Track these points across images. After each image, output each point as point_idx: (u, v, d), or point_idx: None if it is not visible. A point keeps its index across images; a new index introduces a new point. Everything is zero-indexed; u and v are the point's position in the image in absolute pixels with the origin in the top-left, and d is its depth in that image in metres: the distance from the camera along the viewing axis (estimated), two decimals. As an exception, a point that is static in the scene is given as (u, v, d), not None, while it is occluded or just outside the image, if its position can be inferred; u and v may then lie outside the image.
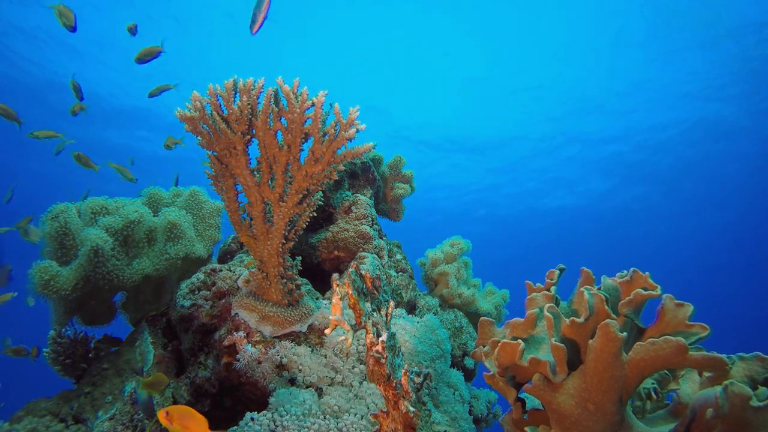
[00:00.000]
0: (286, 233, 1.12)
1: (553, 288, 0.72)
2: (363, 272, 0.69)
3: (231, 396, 1.19)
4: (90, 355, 1.38)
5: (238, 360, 1.11)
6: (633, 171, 10.68)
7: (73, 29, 1.90)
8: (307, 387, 1.09)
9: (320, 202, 1.16)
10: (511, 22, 7.76)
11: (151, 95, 2.45)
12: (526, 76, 8.56)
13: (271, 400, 1.03)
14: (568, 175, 10.99)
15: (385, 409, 0.68)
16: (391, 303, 0.71)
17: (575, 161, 10.44)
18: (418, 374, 0.79)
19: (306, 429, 0.93)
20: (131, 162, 2.84)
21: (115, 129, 9.01)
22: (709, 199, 11.87)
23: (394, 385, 0.65)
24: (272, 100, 1.02)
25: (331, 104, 0.98)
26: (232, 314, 1.20)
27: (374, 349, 0.64)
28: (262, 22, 1.13)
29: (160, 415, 0.87)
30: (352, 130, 0.98)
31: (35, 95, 7.77)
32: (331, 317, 0.63)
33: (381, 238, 1.68)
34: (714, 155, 9.82)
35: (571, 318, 0.61)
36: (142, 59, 2.15)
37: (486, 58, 8.37)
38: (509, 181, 11.36)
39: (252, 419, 0.95)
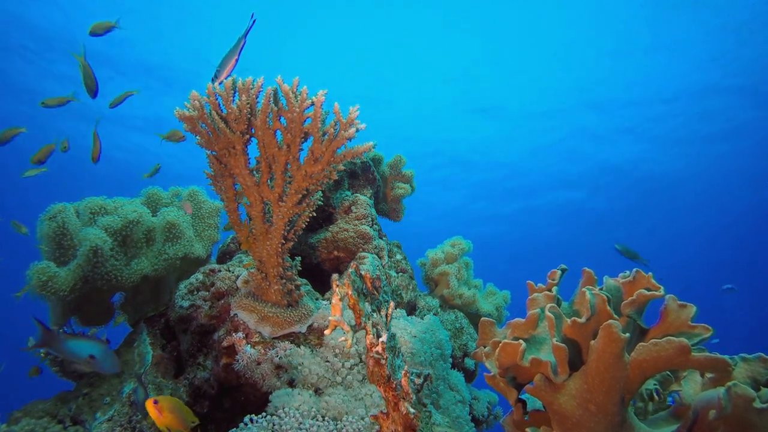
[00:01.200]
0: (286, 233, 1.12)
1: (554, 288, 0.71)
2: (363, 273, 0.69)
3: (230, 397, 1.18)
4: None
5: (237, 361, 1.11)
6: (637, 160, 10.51)
7: (94, 95, 1.85)
8: (306, 388, 1.08)
9: (320, 202, 1.16)
10: (512, 11, 7.70)
11: (114, 105, 2.36)
12: (527, 64, 8.44)
13: (271, 401, 1.02)
14: (570, 167, 10.82)
15: (385, 411, 0.68)
16: (391, 303, 0.71)
17: (578, 149, 10.27)
18: (418, 375, 0.79)
19: (305, 430, 0.92)
20: (158, 167, 2.84)
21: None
22: (714, 192, 11.67)
23: (394, 386, 0.65)
24: (271, 99, 1.02)
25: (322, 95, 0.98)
26: (231, 315, 1.19)
27: (374, 350, 0.64)
28: (228, 76, 1.16)
29: (149, 404, 0.86)
30: (352, 130, 0.98)
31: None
32: (330, 318, 0.63)
33: (381, 238, 1.67)
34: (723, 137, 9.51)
35: (573, 318, 0.61)
36: (96, 32, 2.11)
37: (486, 37, 8.27)
38: (510, 173, 11.20)
39: (251, 420, 0.95)
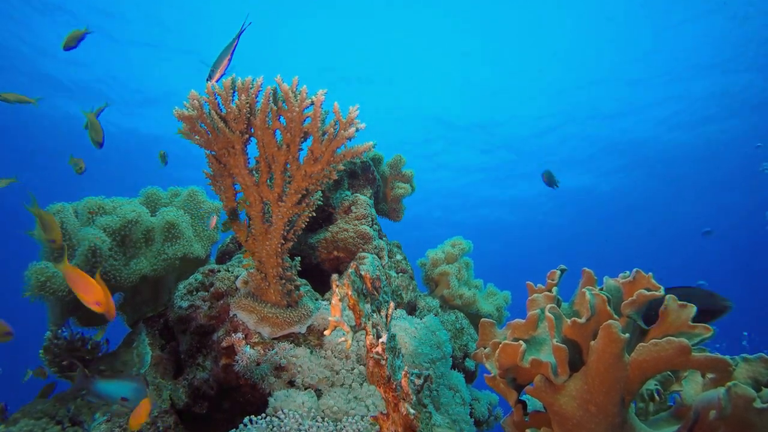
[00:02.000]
0: (285, 233, 1.12)
1: (554, 289, 0.71)
2: (363, 273, 0.69)
3: (229, 398, 1.18)
4: (86, 357, 1.37)
5: (237, 362, 1.10)
6: (636, 156, 10.35)
7: (101, 146, 1.84)
8: (306, 389, 1.08)
9: (319, 202, 1.16)
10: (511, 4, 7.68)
11: (91, 130, 2.30)
12: (527, 54, 8.35)
13: (270, 402, 1.02)
14: (572, 156, 10.67)
15: (385, 411, 0.68)
16: (391, 304, 0.70)
17: (576, 144, 10.13)
18: (418, 376, 0.78)
19: (305, 431, 0.92)
20: (164, 155, 2.84)
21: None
22: (714, 191, 11.54)
23: (394, 386, 0.64)
24: (271, 98, 1.02)
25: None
26: (231, 315, 1.19)
27: (374, 350, 0.64)
28: (221, 75, 1.16)
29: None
30: (352, 129, 0.98)
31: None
32: (330, 318, 0.63)
33: (381, 238, 1.67)
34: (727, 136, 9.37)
35: (573, 318, 0.60)
36: (70, 45, 2.05)
37: (485, 31, 8.22)
38: (509, 168, 11.06)
39: (251, 421, 0.94)
